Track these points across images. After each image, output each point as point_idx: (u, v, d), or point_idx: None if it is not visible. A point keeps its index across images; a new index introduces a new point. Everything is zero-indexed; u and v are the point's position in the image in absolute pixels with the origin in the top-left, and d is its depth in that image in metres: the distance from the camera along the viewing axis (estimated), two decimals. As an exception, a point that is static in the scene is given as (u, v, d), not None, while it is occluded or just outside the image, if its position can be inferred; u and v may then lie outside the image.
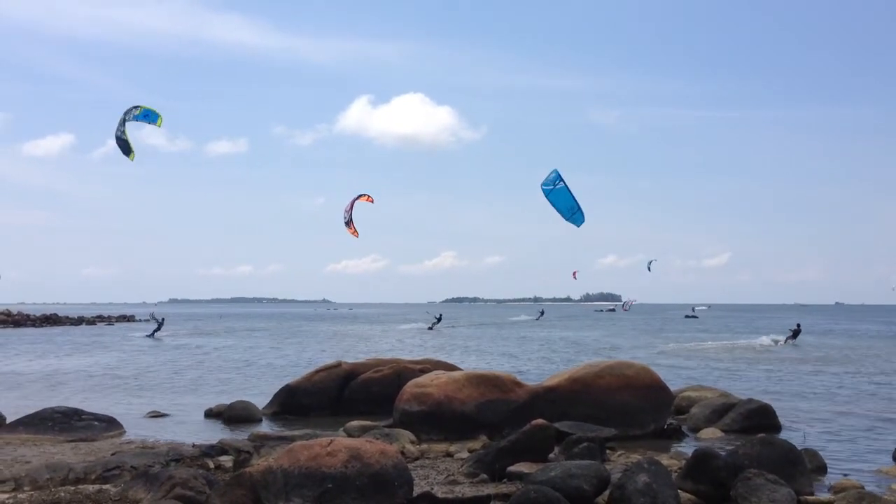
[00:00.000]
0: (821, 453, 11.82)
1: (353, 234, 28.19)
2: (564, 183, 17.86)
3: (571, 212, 18.25)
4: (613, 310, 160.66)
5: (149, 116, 20.66)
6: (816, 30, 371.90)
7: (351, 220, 28.16)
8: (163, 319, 57.77)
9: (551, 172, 18.01)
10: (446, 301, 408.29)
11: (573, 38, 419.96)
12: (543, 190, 18.00)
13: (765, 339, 48.21)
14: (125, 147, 20.54)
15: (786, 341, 47.08)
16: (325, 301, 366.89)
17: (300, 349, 41.81)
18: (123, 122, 20.30)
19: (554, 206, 18.15)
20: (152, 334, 54.18)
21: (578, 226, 18.52)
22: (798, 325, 50.01)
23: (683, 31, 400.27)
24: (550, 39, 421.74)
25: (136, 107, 20.56)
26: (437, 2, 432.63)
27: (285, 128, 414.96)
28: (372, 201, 28.63)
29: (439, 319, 68.40)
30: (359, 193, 28.67)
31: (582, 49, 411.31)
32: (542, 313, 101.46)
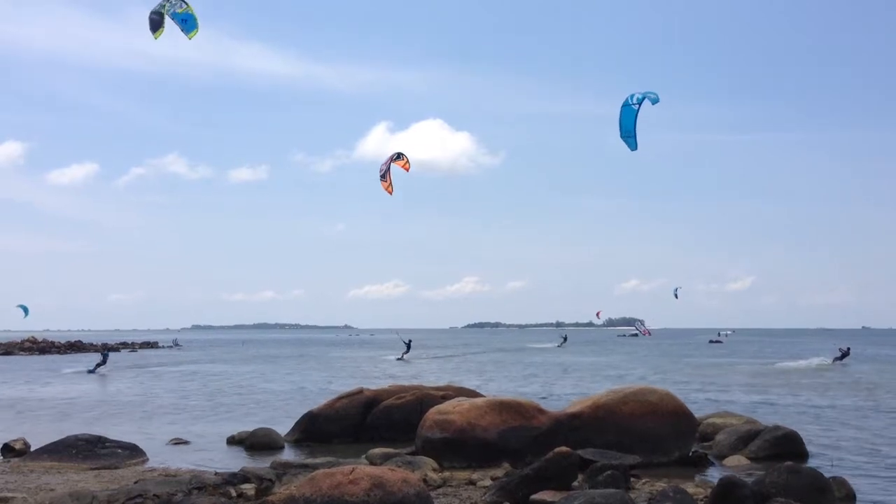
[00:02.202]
0: (849, 482, 11.61)
1: (387, 188, 26.22)
2: (638, 107, 19.01)
3: (627, 135, 19.34)
4: (636, 335, 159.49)
5: (186, 22, 18.82)
6: (841, 52, 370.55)
7: (388, 174, 26.21)
8: (107, 354, 47.62)
9: (643, 94, 19.12)
10: (468, 326, 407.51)
11: (590, 62, 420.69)
12: (625, 101, 19.20)
13: (814, 361, 48.86)
14: (155, 25, 18.78)
15: (833, 362, 47.91)
16: (346, 327, 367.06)
17: (322, 375, 41.81)
18: (163, 5, 18.88)
19: (619, 120, 19.29)
20: (94, 369, 44.99)
21: (631, 150, 19.64)
22: (847, 348, 50.34)
23: (703, 54, 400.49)
24: (567, 65, 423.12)
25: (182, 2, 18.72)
26: (454, 29, 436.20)
27: (305, 154, 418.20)
28: (408, 169, 26.65)
29: (409, 346, 60.59)
30: (397, 154, 26.50)
31: (599, 73, 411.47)
32: (566, 339, 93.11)
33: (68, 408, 25.21)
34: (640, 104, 18.93)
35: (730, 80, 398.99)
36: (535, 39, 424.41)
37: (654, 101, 18.94)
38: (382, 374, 42.68)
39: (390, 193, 26.39)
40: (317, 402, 22.09)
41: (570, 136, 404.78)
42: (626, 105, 19.18)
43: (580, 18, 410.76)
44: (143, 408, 25.19)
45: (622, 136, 19.39)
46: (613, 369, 46.37)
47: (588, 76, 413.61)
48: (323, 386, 33.55)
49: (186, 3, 18.62)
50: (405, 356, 58.77)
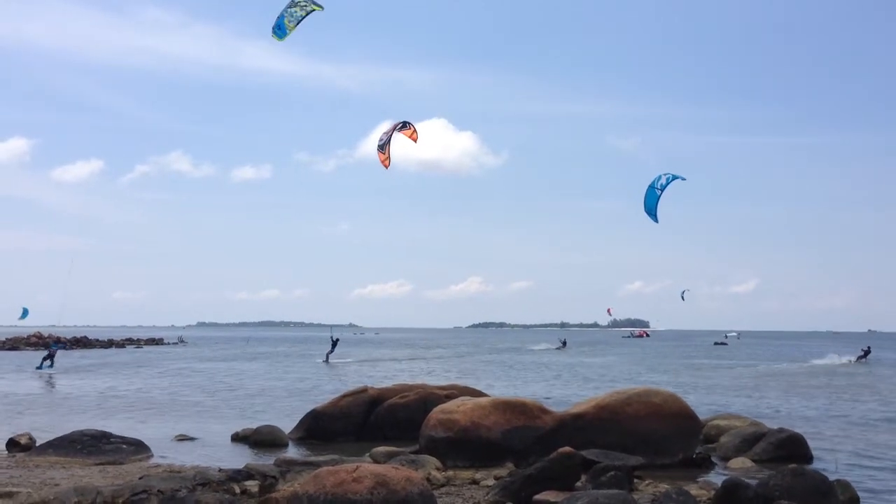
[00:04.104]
0: (853, 484, 11.59)
1: (383, 161, 23.57)
2: (661, 192, 21.28)
3: (650, 212, 21.57)
4: (643, 335, 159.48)
5: (280, 28, 18.09)
6: (845, 56, 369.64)
7: (388, 145, 23.65)
8: (55, 347, 45.22)
9: (669, 177, 21.37)
10: (472, 326, 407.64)
11: (592, 64, 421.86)
12: (651, 183, 21.40)
13: (836, 359, 54.74)
14: (281, 28, 18.56)
15: (857, 360, 53.75)
16: (351, 325, 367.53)
17: (326, 373, 41.86)
18: (293, 7, 18.40)
19: (644, 199, 21.59)
20: (41, 365, 42.93)
21: (654, 223, 21.91)
22: (868, 348, 57.59)
23: (705, 57, 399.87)
24: (570, 66, 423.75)
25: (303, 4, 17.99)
26: (458, 29, 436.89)
27: (308, 154, 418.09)
28: (416, 139, 24.13)
29: (334, 345, 54.38)
30: (402, 123, 23.93)
31: (602, 75, 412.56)
32: (565, 344, 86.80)
33: (75, 403, 25.30)
34: (663, 190, 21.08)
35: (735, 84, 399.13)
36: (539, 40, 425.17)
37: (683, 180, 21.51)
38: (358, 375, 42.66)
39: (386, 167, 24.01)
40: (318, 399, 22.15)
41: (573, 136, 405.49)
42: (651, 187, 21.38)
43: (584, 20, 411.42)
44: (148, 404, 25.26)
45: (645, 211, 21.60)
46: (617, 370, 46.34)
47: (592, 77, 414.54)
48: (324, 384, 33.57)
49: (304, 10, 18.15)
50: (330, 357, 53.57)
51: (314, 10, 18.00)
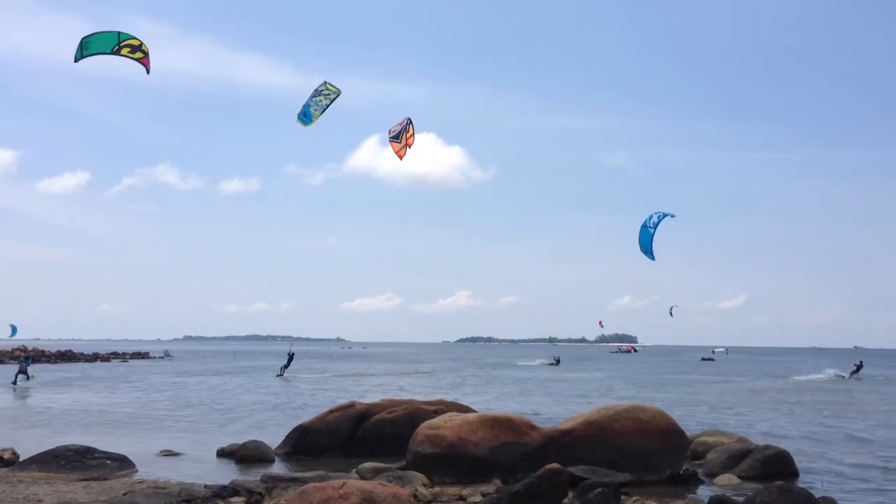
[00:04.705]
0: (839, 502, 11.64)
1: (398, 151, 22.38)
2: (654, 230, 22.12)
3: (645, 251, 22.34)
4: (631, 350, 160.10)
5: (306, 115, 19.08)
6: (832, 71, 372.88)
7: (404, 135, 22.51)
8: (24, 369, 43.65)
9: (661, 215, 22.21)
10: (461, 340, 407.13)
11: (581, 79, 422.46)
12: (643, 223, 22.25)
13: (830, 373, 56.98)
14: (307, 115, 19.08)
15: (850, 375, 55.48)
16: (339, 339, 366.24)
17: (314, 388, 41.68)
18: (318, 96, 18.90)
19: (639, 237, 22.44)
20: (15, 380, 42.07)
21: (650, 260, 22.69)
22: (861, 362, 58.98)
23: (693, 72, 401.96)
24: (558, 81, 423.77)
25: (326, 91, 18.78)
26: (447, 43, 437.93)
27: (297, 166, 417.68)
28: (411, 145, 22.81)
29: (290, 360, 53.83)
30: (407, 129, 22.73)
31: (590, 90, 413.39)
32: (558, 361, 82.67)
33: (58, 417, 25.09)
34: (656, 227, 21.87)
35: (724, 99, 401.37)
36: (528, 56, 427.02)
37: (672, 217, 22.26)
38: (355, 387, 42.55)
39: (401, 158, 22.90)
40: (302, 415, 22.03)
41: (562, 151, 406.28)
42: (644, 227, 22.22)
43: (573, 36, 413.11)
44: (132, 418, 25.08)
45: (641, 251, 22.39)
46: (605, 386, 46.36)
47: (580, 92, 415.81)
48: (311, 399, 33.43)
49: (328, 98, 19.05)
50: (285, 372, 52.25)
51: (337, 96, 19.09)
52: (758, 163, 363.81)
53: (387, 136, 22.86)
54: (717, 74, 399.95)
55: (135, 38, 15.79)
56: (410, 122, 23.14)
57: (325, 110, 19.16)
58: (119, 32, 15.75)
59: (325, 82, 19.16)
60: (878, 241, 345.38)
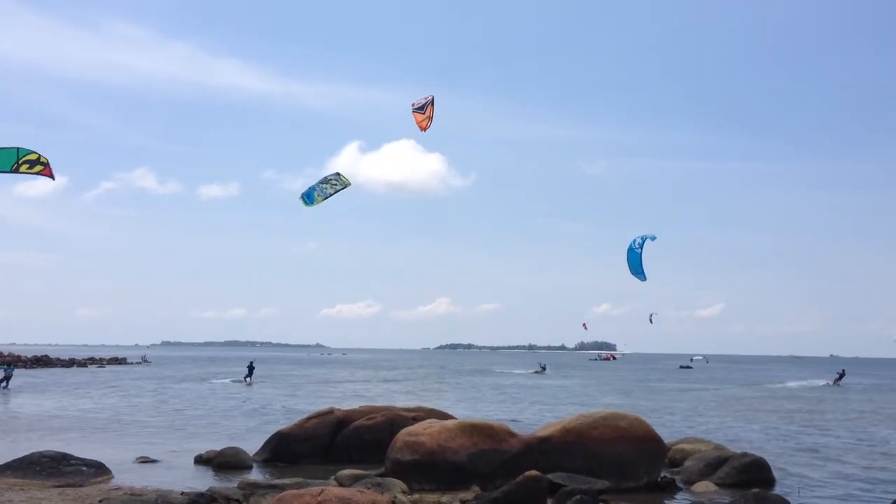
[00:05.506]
0: (815, 509, 11.74)
1: (421, 122, 21.27)
2: (640, 250, 22.71)
3: (636, 272, 22.92)
4: (610, 358, 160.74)
5: (310, 197, 19.66)
6: (815, 83, 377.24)
7: (424, 108, 21.50)
8: (9, 376, 43.29)
9: (643, 237, 22.83)
10: (440, 347, 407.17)
11: (560, 88, 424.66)
12: (630, 245, 22.93)
13: (817, 381, 60.02)
14: (310, 198, 19.73)
15: (834, 383, 58.13)
16: (318, 346, 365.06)
17: (292, 394, 41.52)
18: (325, 183, 19.55)
19: (627, 259, 22.98)
20: None
21: (641, 281, 23.20)
22: (843, 370, 62.79)
23: (671, 82, 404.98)
24: (538, 89, 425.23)
25: (335, 181, 19.42)
26: (428, 50, 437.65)
27: (275, 172, 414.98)
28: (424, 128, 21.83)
29: (251, 370, 54.44)
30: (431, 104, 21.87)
31: (569, 99, 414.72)
32: (544, 369, 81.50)
33: (33, 423, 24.81)
34: (641, 248, 22.57)
35: (701, 110, 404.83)
36: (508, 64, 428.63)
37: (653, 239, 22.95)
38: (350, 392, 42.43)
39: (423, 130, 21.66)
40: (280, 422, 21.91)
41: (541, 159, 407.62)
42: (631, 249, 22.85)
43: (553, 45, 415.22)
44: (110, 424, 24.84)
45: (631, 273, 23.01)
46: (584, 393, 46.52)
47: (559, 101, 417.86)
48: (290, 405, 33.28)
49: (334, 188, 19.50)
50: (249, 380, 52.88)
51: (345, 187, 19.53)
52: (736, 173, 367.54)
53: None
54: (695, 85, 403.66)
55: (33, 153, 15.65)
56: (433, 100, 22.55)
57: (327, 198, 19.67)
58: (18, 149, 15.67)
59: (338, 173, 19.71)
60: (854, 252, 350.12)
